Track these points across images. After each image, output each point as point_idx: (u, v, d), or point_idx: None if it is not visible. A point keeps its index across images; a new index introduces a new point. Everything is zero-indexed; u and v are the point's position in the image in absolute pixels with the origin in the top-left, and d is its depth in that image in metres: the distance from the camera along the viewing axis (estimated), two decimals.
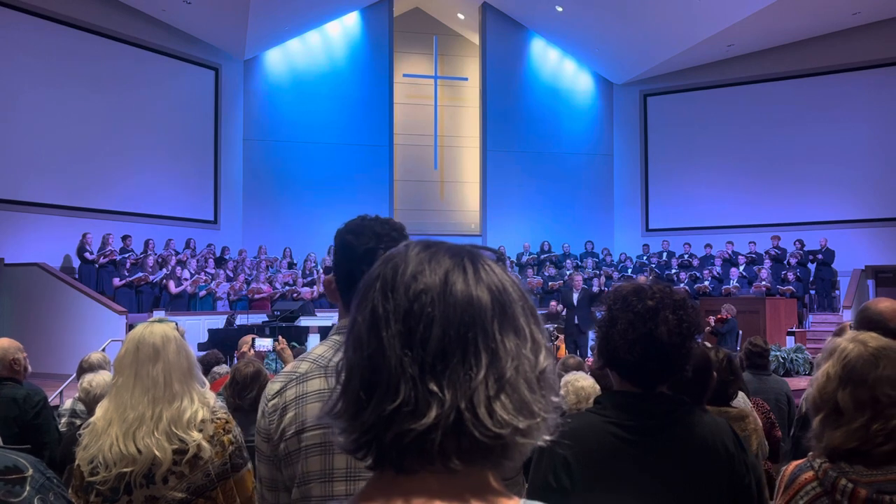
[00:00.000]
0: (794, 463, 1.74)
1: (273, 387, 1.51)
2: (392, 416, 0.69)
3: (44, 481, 1.09)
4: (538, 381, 0.73)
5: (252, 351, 4.47)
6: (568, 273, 14.97)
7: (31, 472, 1.08)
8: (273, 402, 1.49)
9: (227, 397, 3.47)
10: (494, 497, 0.71)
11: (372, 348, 0.71)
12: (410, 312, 0.71)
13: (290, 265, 15.09)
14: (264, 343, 4.70)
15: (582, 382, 3.48)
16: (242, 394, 3.42)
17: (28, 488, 1.06)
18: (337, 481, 1.40)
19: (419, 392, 0.69)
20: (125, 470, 2.01)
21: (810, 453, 1.69)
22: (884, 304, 2.62)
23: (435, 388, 0.69)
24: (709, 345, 2.98)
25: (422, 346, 0.70)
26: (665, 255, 16.58)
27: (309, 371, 1.49)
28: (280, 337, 4.23)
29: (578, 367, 4.77)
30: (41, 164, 12.94)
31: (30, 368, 3.95)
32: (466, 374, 0.70)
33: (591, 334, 11.23)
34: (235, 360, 5.59)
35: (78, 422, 3.74)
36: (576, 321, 11.76)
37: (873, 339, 1.70)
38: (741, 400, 3.72)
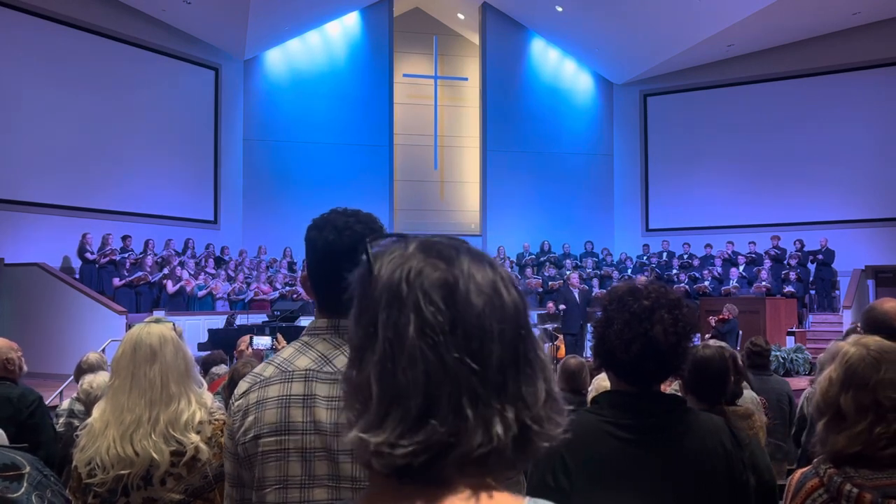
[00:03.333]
0: (801, 470, 1.73)
1: (241, 387, 1.51)
2: (459, 436, 0.66)
3: (41, 479, 1.10)
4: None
5: (250, 349, 4.47)
6: (567, 273, 14.98)
7: (28, 469, 1.09)
8: (238, 402, 1.48)
9: (225, 398, 3.46)
10: (501, 495, 0.71)
11: (428, 364, 0.67)
12: (468, 325, 0.68)
13: (291, 266, 15.09)
14: (262, 341, 4.71)
15: (607, 383, 3.46)
16: None
17: (25, 485, 1.07)
18: (291, 488, 1.40)
19: (485, 411, 0.67)
20: (123, 472, 2.01)
21: (815, 459, 1.68)
22: (889, 305, 2.62)
23: (498, 406, 0.67)
24: (722, 345, 2.98)
25: (482, 362, 0.67)
26: (665, 255, 16.58)
27: (272, 376, 1.46)
28: (279, 335, 4.21)
29: (580, 368, 4.76)
30: (41, 164, 12.94)
31: (25, 368, 3.90)
32: (528, 388, 0.69)
33: (589, 335, 11.23)
34: (235, 360, 5.58)
35: (76, 422, 3.74)
36: (580, 321, 11.79)
37: (875, 342, 1.70)
38: (749, 398, 3.72)
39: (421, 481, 0.68)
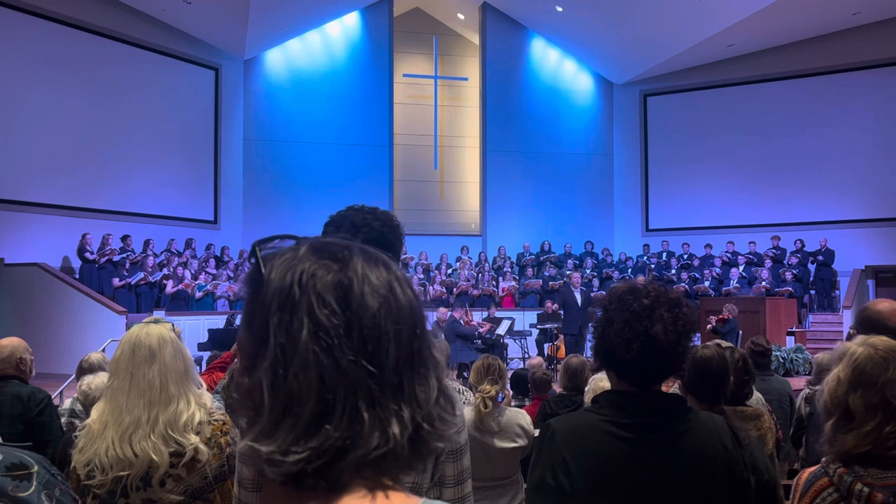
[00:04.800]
0: (808, 470, 1.72)
1: None
2: (355, 439, 0.65)
3: (49, 477, 1.11)
4: None
5: None
6: (568, 273, 14.99)
7: (36, 468, 1.10)
8: None
9: (225, 398, 3.45)
10: (397, 495, 0.69)
11: (322, 368, 0.65)
12: (363, 327, 0.67)
13: None
14: None
15: (604, 383, 3.45)
16: None
17: (35, 483, 1.08)
18: None
19: (382, 413, 0.66)
20: (122, 473, 2.00)
21: (824, 459, 1.68)
22: (883, 305, 2.62)
23: (395, 407, 0.67)
24: (723, 345, 2.97)
25: (379, 364, 0.67)
26: (665, 255, 16.58)
27: None
28: None
29: (582, 367, 4.76)
30: (41, 165, 12.95)
31: (34, 371, 4.01)
32: (421, 387, 0.69)
33: (589, 335, 11.23)
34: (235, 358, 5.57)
35: (77, 421, 3.75)
36: (580, 322, 11.79)
37: (883, 342, 1.70)
38: (755, 400, 3.71)
39: (316, 486, 0.66)
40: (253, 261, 0.72)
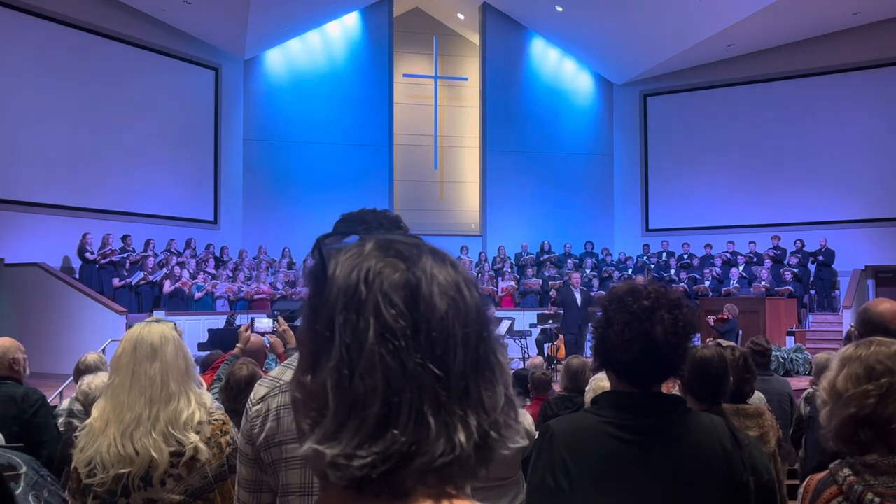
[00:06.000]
0: (816, 477, 1.72)
1: (259, 391, 1.51)
2: (421, 445, 0.63)
3: (38, 479, 1.10)
4: None
5: (250, 332, 4.41)
6: (568, 272, 14.97)
7: (24, 469, 1.09)
8: (257, 407, 1.49)
9: (223, 401, 3.44)
10: (463, 502, 0.68)
11: (388, 370, 0.63)
12: (431, 329, 0.65)
13: (290, 265, 15.09)
14: (264, 324, 4.66)
15: (605, 383, 3.44)
16: (238, 398, 3.38)
17: (22, 485, 1.07)
18: (317, 494, 1.40)
19: (448, 418, 0.64)
20: (122, 471, 2.00)
21: (831, 465, 1.68)
22: (884, 306, 2.61)
23: (461, 412, 0.65)
24: (724, 343, 2.97)
25: (445, 368, 0.64)
26: (665, 255, 16.57)
27: None
28: (280, 318, 4.08)
29: (582, 367, 4.76)
30: (41, 164, 12.94)
31: (28, 371, 3.95)
32: (487, 392, 0.67)
33: (589, 335, 11.22)
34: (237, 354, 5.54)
35: (75, 422, 3.74)
36: (580, 322, 11.79)
37: (879, 340, 1.73)
38: (757, 399, 3.72)
39: (379, 492, 0.64)
40: (317, 256, 0.70)
